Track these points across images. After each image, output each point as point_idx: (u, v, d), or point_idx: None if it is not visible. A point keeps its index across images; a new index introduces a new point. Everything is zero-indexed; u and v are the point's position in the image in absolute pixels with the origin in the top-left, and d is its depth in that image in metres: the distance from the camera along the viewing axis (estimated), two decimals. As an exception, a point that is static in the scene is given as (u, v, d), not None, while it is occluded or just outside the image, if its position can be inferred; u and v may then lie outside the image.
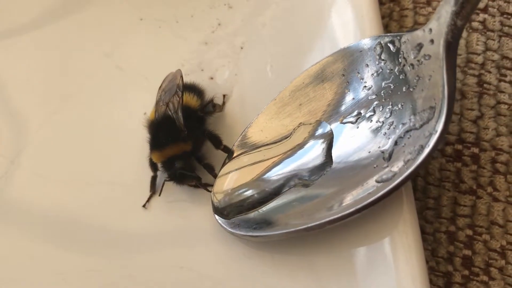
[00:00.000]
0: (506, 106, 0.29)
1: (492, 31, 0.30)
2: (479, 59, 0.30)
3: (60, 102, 0.32)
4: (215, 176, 0.28)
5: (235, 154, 0.27)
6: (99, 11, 0.34)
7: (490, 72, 0.29)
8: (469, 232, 0.27)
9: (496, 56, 0.30)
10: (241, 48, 0.32)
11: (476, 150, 0.28)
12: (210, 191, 0.27)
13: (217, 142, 0.29)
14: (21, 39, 0.34)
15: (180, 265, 0.27)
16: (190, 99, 0.29)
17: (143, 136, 0.29)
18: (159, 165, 0.28)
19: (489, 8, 0.31)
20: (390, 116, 0.24)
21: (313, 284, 0.25)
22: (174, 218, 0.28)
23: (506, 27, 0.30)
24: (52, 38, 0.34)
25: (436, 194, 0.28)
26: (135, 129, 0.30)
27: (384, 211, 0.24)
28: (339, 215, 0.23)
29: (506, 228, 0.27)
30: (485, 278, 0.26)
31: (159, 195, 0.28)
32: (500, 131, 0.28)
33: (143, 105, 0.31)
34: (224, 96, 0.31)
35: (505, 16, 0.30)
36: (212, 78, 0.31)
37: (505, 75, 0.29)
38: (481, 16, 0.31)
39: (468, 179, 0.28)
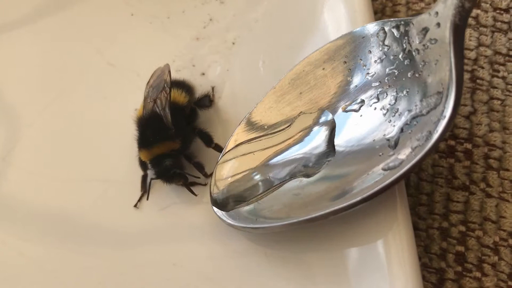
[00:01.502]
0: (499, 102, 0.29)
1: (485, 26, 0.30)
2: (472, 54, 0.30)
3: (51, 99, 0.32)
4: (205, 175, 0.28)
5: (234, 144, 0.27)
6: (90, 7, 0.34)
7: (483, 67, 0.29)
8: (462, 228, 0.27)
9: (489, 52, 0.30)
10: (233, 43, 0.32)
11: (469, 146, 0.28)
12: (197, 195, 0.27)
13: (208, 140, 0.28)
14: (11, 35, 0.34)
15: (172, 262, 0.27)
16: (178, 96, 0.29)
17: (135, 133, 0.29)
18: (148, 163, 0.28)
19: (482, 4, 0.31)
20: (395, 103, 0.24)
21: (305, 281, 0.25)
22: (166, 215, 0.28)
23: (499, 23, 0.30)
24: (43, 34, 0.34)
25: (429, 190, 0.28)
26: (127, 126, 0.29)
27: (377, 207, 0.24)
28: (344, 204, 0.23)
29: (499, 224, 0.27)
30: (478, 274, 0.26)
31: (147, 199, 0.28)
32: (493, 126, 0.28)
33: (135, 102, 0.30)
34: (213, 88, 0.31)
35: (497, 11, 0.30)
36: (203, 74, 0.31)
37: (498, 71, 0.29)
38: (474, 11, 0.30)
39: (461, 175, 0.28)
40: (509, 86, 0.29)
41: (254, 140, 0.26)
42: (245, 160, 0.26)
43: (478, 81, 0.29)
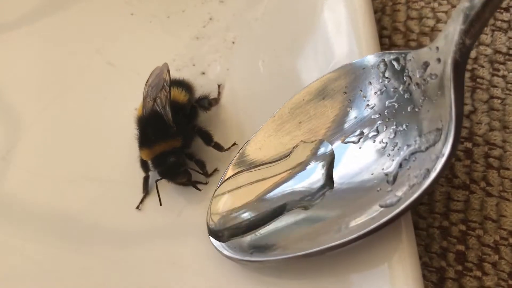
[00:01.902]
0: (499, 101, 0.29)
1: (485, 25, 0.30)
2: (472, 53, 0.30)
3: (51, 98, 0.32)
4: (206, 174, 0.28)
5: (232, 173, 0.26)
6: (90, 7, 0.34)
7: (483, 66, 0.29)
8: (463, 227, 0.27)
9: (489, 51, 0.30)
10: (233, 43, 0.32)
11: (469, 145, 0.28)
12: (201, 190, 0.27)
13: (208, 139, 0.28)
14: (11, 35, 0.34)
15: (172, 261, 0.27)
16: (178, 94, 0.29)
17: (135, 133, 0.29)
18: (149, 163, 0.28)
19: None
20: (394, 136, 0.23)
21: (305, 277, 0.25)
22: (166, 214, 0.28)
23: (499, 22, 0.30)
24: (43, 34, 0.34)
25: (429, 189, 0.28)
26: (127, 126, 0.29)
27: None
28: (341, 241, 0.22)
29: (499, 223, 0.27)
30: (478, 273, 0.26)
31: (160, 205, 0.27)
32: (493, 125, 0.28)
33: (135, 101, 0.30)
34: (219, 86, 0.31)
35: (497, 10, 0.30)
36: (204, 73, 0.31)
37: (498, 70, 0.29)
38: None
39: (461, 174, 0.28)
40: (509, 85, 0.29)
41: (253, 170, 0.26)
42: (243, 190, 0.26)
43: (478, 80, 0.29)
